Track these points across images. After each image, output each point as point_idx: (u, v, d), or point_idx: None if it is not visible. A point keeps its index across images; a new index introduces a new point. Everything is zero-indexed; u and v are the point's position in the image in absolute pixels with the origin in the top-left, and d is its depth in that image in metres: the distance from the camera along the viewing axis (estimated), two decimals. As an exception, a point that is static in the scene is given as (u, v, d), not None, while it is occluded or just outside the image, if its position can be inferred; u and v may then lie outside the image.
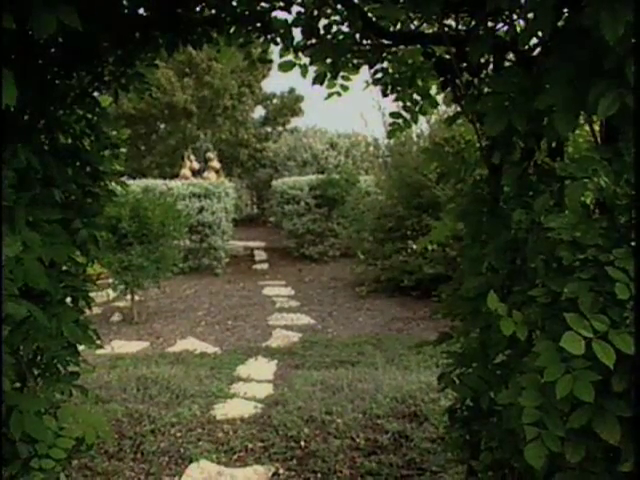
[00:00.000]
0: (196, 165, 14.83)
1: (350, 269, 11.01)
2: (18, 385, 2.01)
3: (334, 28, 2.60)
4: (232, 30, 2.63)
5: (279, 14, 2.60)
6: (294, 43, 2.68)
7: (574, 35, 1.62)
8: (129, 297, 8.62)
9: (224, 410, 4.39)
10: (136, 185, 10.49)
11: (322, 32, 2.60)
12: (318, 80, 2.78)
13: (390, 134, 3.00)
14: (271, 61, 3.05)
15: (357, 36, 2.57)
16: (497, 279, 2.00)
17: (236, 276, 12.15)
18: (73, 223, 2.15)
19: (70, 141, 2.31)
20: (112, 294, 9.26)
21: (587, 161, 1.66)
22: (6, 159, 1.81)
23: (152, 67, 2.66)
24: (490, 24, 2.12)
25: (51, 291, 1.94)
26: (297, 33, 2.63)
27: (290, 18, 2.59)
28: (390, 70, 2.80)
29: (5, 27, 1.43)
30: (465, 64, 2.27)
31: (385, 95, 2.85)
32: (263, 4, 2.53)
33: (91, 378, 4.72)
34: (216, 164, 14.83)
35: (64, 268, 2.25)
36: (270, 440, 3.80)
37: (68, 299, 2.19)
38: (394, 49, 2.70)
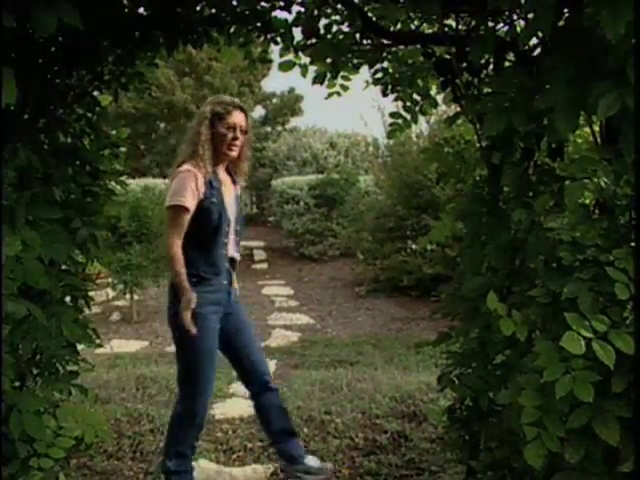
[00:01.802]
0: (196, 164, 14.80)
1: (349, 269, 11.01)
2: (17, 384, 2.01)
3: (334, 28, 2.60)
4: (232, 29, 2.63)
5: (279, 14, 2.60)
6: (294, 43, 2.69)
7: (574, 35, 1.62)
8: (128, 296, 8.62)
9: (223, 409, 4.39)
10: (136, 184, 10.50)
11: (322, 32, 2.60)
12: (318, 80, 2.79)
13: (390, 134, 3.00)
14: (271, 61, 3.05)
15: (357, 36, 2.57)
16: (497, 279, 2.00)
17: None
18: (73, 222, 2.15)
19: (70, 140, 2.31)
20: (111, 293, 9.26)
21: (587, 161, 1.66)
22: (6, 158, 1.81)
23: (152, 66, 2.66)
24: (490, 24, 2.12)
25: (51, 290, 1.94)
26: (297, 33, 2.64)
27: (290, 18, 2.59)
28: (390, 70, 2.80)
29: (5, 25, 1.43)
30: (465, 64, 2.27)
31: (385, 95, 2.85)
32: (263, 4, 2.53)
33: (90, 377, 4.71)
34: (216, 163, 14.80)
35: (64, 267, 2.25)
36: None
37: (67, 298, 2.19)
38: (394, 49, 2.70)
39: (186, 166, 2.75)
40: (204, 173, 2.76)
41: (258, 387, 3.10)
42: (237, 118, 2.83)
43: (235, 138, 2.83)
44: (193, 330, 2.76)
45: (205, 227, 2.81)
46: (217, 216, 2.81)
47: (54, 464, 1.93)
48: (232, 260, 3.00)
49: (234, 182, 3.01)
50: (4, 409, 1.81)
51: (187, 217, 2.78)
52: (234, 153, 2.86)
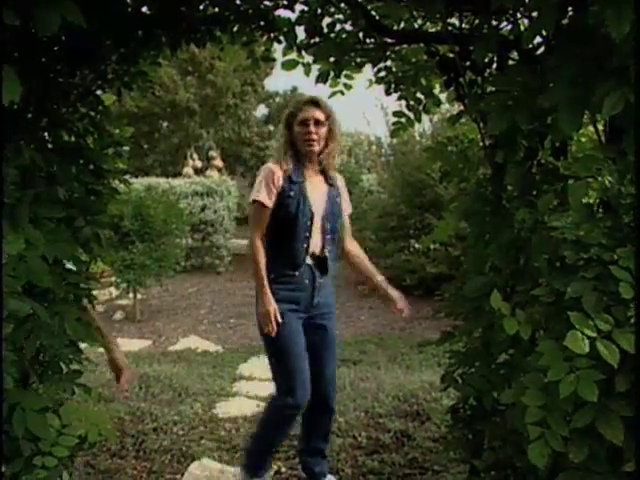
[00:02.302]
0: (199, 163, 14.85)
1: (352, 268, 10.98)
2: (21, 383, 2.01)
3: (337, 27, 2.60)
4: (235, 28, 2.63)
5: (282, 12, 2.60)
6: (297, 41, 2.68)
7: (578, 34, 1.61)
8: (131, 295, 8.63)
9: (226, 408, 4.40)
10: (139, 183, 10.52)
11: (325, 31, 2.60)
12: (321, 79, 2.79)
13: (393, 133, 3.00)
14: (274, 60, 3.05)
15: (360, 35, 2.57)
16: (500, 278, 2.00)
17: (238, 274, 12.16)
18: (76, 221, 2.15)
19: (73, 139, 2.31)
20: (115, 292, 9.27)
21: (591, 160, 1.66)
22: (9, 157, 1.81)
23: (155, 65, 2.66)
24: (494, 23, 2.12)
25: (54, 289, 1.94)
26: (300, 31, 2.64)
27: (293, 16, 2.59)
28: (393, 69, 2.80)
29: (8, 24, 1.43)
30: (468, 63, 2.27)
31: (388, 94, 2.84)
32: (266, 2, 2.53)
33: (94, 376, 4.73)
34: (218, 162, 14.85)
35: (67, 266, 2.25)
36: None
37: (71, 297, 2.19)
38: (397, 48, 2.70)
39: (266, 164, 2.89)
40: (283, 169, 2.83)
41: (317, 403, 3.04)
42: (309, 112, 2.84)
43: (309, 132, 2.83)
44: (270, 330, 2.82)
45: (283, 221, 2.84)
46: (294, 210, 2.82)
47: (58, 463, 1.93)
48: (318, 259, 2.93)
49: (327, 181, 2.97)
50: (7, 407, 1.82)
51: (265, 212, 2.85)
52: (314, 147, 2.86)
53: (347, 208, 3.11)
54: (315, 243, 2.90)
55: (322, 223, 2.91)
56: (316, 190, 2.90)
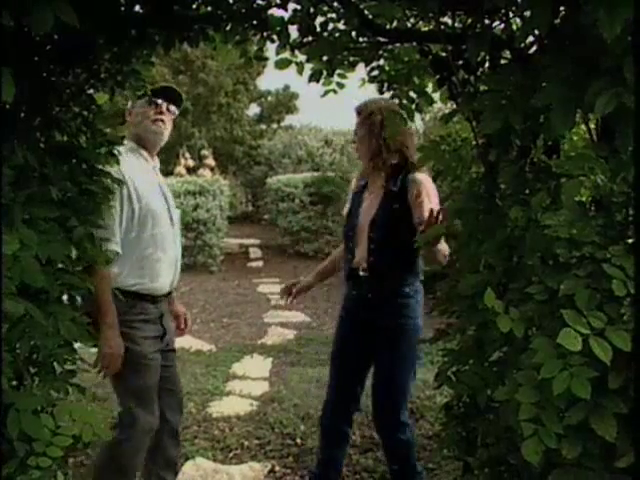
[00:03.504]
0: (191, 162, 14.80)
1: (345, 266, 10.98)
2: (15, 383, 2.00)
3: (330, 25, 2.60)
4: (228, 27, 2.63)
5: (275, 12, 2.60)
6: (290, 40, 2.68)
7: (571, 33, 1.62)
8: (124, 295, 8.59)
9: (220, 408, 4.40)
10: (131, 182, 10.45)
11: (318, 29, 2.60)
12: (314, 78, 2.79)
13: (386, 132, 3.00)
14: (267, 59, 3.05)
15: (353, 34, 2.57)
16: (494, 276, 2.01)
17: (231, 273, 12.14)
18: (69, 221, 2.14)
19: (66, 139, 2.30)
20: (107, 292, 9.21)
21: (583, 159, 1.67)
22: (3, 157, 1.80)
23: (148, 64, 2.65)
24: (486, 22, 2.13)
25: (48, 289, 1.93)
26: (293, 30, 2.64)
27: (286, 15, 2.59)
28: (386, 68, 2.80)
29: (4, 24, 1.42)
30: (461, 62, 2.28)
31: (381, 93, 2.85)
32: (259, 1, 2.53)
33: (87, 376, 4.70)
34: (211, 161, 14.80)
35: (60, 266, 2.25)
36: (266, 437, 3.81)
37: (64, 297, 2.18)
38: (390, 47, 2.70)
39: None
40: (355, 182, 3.03)
41: (380, 425, 3.02)
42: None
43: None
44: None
45: None
46: (345, 219, 2.93)
47: (52, 463, 1.92)
48: (368, 270, 2.82)
49: (385, 187, 2.87)
50: (1, 408, 1.81)
51: (346, 221, 2.98)
52: (357, 154, 3.02)
53: (419, 212, 2.81)
54: (360, 253, 2.85)
55: (368, 232, 2.82)
56: (371, 198, 2.88)
